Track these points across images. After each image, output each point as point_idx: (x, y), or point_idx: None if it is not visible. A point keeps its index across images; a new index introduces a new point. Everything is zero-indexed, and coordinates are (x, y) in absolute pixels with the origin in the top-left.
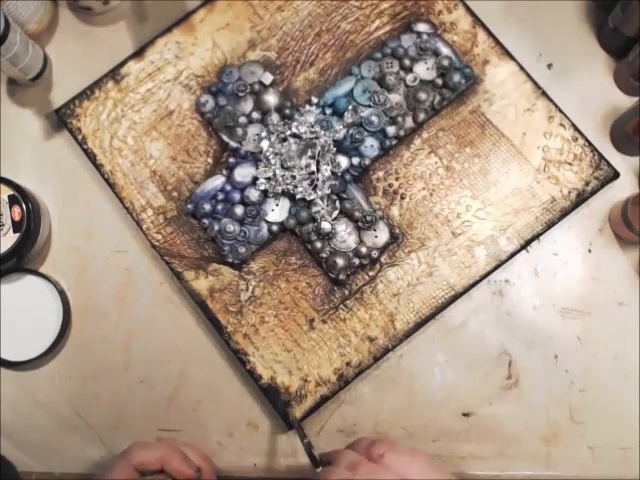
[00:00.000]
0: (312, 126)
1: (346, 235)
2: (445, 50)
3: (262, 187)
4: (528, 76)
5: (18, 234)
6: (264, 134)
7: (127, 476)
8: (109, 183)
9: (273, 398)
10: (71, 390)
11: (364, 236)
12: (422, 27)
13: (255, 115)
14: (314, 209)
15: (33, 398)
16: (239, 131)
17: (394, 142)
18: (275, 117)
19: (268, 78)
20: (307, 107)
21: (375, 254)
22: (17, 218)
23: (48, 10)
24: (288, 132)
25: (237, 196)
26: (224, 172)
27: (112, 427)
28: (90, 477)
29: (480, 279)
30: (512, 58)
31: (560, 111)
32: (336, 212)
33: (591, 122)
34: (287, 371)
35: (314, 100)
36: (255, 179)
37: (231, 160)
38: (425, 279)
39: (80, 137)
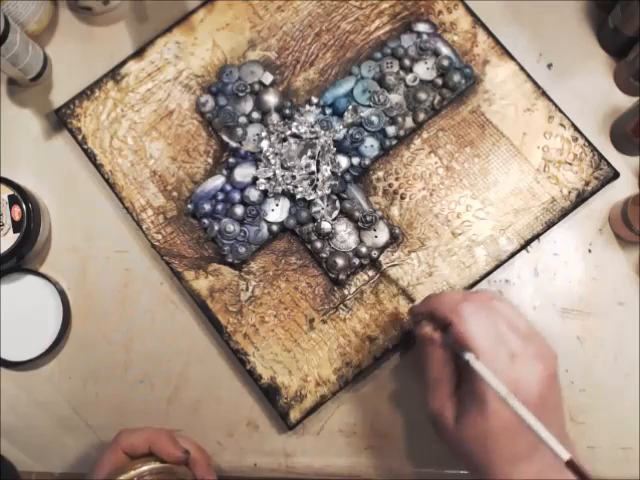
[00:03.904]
0: (312, 126)
1: (346, 235)
2: (445, 50)
3: (262, 187)
4: (528, 76)
5: (18, 234)
6: (264, 134)
7: (116, 460)
8: (109, 183)
9: (273, 398)
10: (71, 390)
11: (364, 236)
12: (422, 27)
13: (255, 115)
14: (314, 209)
15: (33, 398)
16: (239, 131)
17: (394, 142)
18: (275, 117)
19: (268, 78)
20: (307, 107)
21: (375, 254)
22: (17, 218)
23: (48, 10)
24: (288, 132)
25: (237, 196)
26: (224, 172)
27: (112, 427)
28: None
29: (480, 279)
30: (512, 58)
31: (560, 111)
32: (336, 212)
33: (591, 122)
34: (287, 371)
35: (314, 100)
36: (255, 179)
37: (231, 160)
38: (425, 279)
39: (80, 137)
